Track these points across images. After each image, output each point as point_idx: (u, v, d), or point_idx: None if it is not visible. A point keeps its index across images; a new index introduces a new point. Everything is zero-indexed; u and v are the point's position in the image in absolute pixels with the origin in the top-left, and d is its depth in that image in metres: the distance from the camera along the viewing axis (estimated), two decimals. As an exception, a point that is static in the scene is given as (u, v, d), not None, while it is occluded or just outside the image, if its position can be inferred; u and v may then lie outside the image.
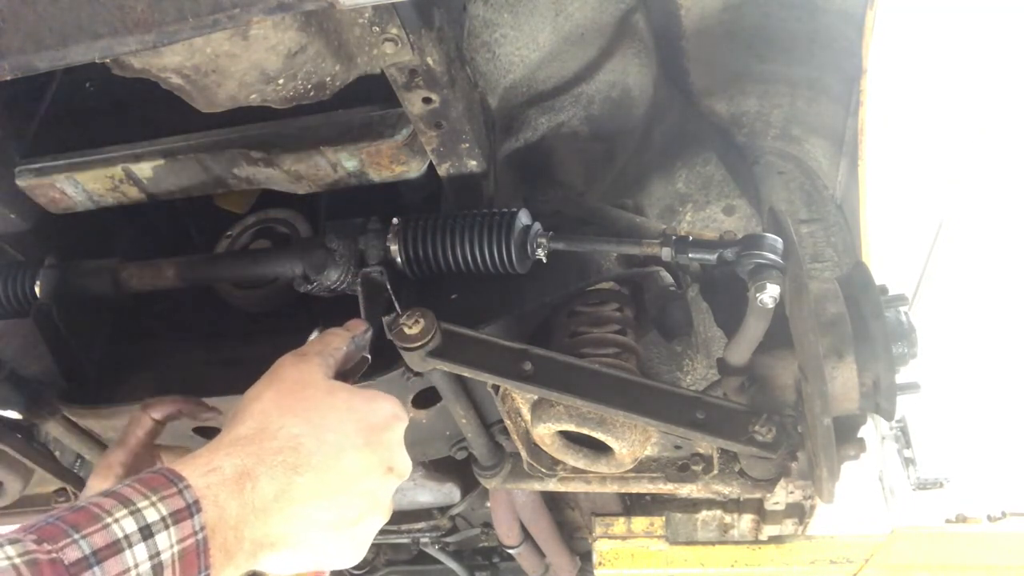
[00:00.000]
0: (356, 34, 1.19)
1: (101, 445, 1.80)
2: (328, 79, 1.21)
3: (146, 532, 0.79)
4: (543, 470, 1.70)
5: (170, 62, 1.10)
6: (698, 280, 1.66)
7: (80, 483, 1.98)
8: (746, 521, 2.41)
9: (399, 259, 1.50)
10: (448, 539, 2.81)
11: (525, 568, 2.83)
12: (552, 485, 1.73)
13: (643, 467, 1.64)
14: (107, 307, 1.68)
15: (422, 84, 1.29)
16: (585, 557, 2.77)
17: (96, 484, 1.15)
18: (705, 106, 2.12)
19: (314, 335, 1.20)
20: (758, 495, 1.77)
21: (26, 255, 1.70)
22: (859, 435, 1.47)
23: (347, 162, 1.44)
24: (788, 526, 2.38)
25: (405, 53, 1.22)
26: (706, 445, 1.58)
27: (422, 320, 1.38)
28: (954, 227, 5.26)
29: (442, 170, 1.51)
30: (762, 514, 2.37)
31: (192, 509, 0.83)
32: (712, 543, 2.18)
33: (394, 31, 1.18)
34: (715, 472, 1.60)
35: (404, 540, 2.70)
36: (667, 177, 2.10)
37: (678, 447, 1.60)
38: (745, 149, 2.15)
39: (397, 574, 3.22)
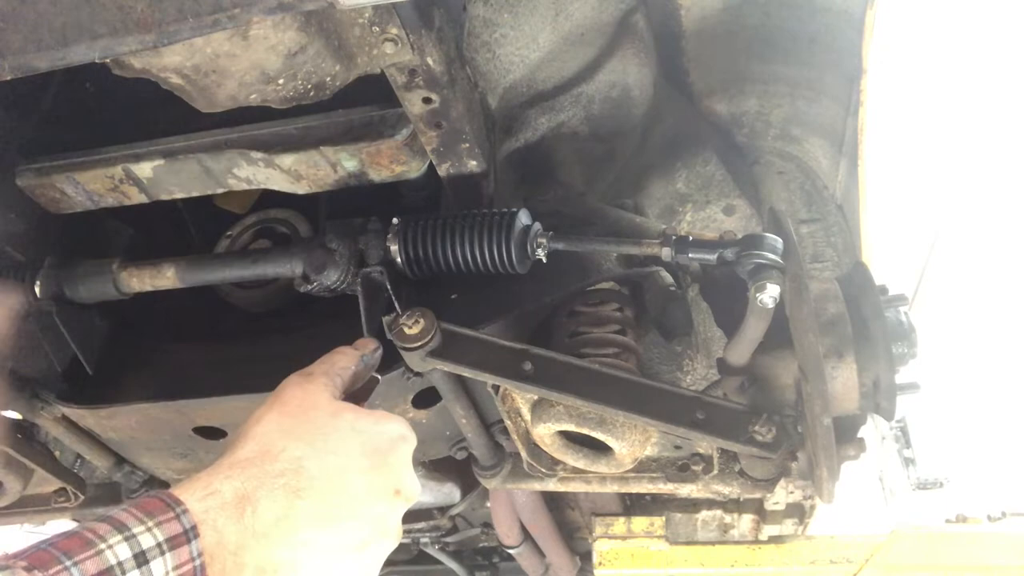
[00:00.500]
0: (356, 34, 1.19)
1: (101, 445, 1.80)
2: (328, 79, 1.21)
3: (140, 559, 0.77)
4: (543, 470, 1.70)
5: (170, 62, 1.10)
6: (698, 280, 1.65)
7: (80, 483, 1.98)
8: (746, 521, 2.41)
9: (399, 259, 1.49)
10: (448, 539, 2.81)
11: (525, 568, 2.83)
12: (552, 485, 1.73)
13: (643, 467, 1.64)
14: (107, 307, 1.68)
15: (422, 84, 1.29)
16: (585, 557, 2.77)
17: None
18: (705, 106, 2.11)
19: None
20: (758, 495, 1.77)
21: (26, 255, 1.69)
22: (859, 435, 1.47)
23: (347, 162, 1.44)
24: (788, 526, 2.38)
25: (405, 53, 1.21)
26: (706, 445, 1.58)
27: (422, 320, 1.38)
28: (954, 227, 5.27)
29: (442, 170, 1.51)
30: (762, 514, 2.37)
31: (190, 534, 0.81)
32: (712, 543, 2.18)
33: (394, 31, 1.18)
34: (715, 472, 1.60)
35: (404, 540, 2.71)
36: (667, 177, 2.10)
37: (678, 447, 1.60)
38: (745, 149, 2.15)
39: (397, 574, 3.22)
